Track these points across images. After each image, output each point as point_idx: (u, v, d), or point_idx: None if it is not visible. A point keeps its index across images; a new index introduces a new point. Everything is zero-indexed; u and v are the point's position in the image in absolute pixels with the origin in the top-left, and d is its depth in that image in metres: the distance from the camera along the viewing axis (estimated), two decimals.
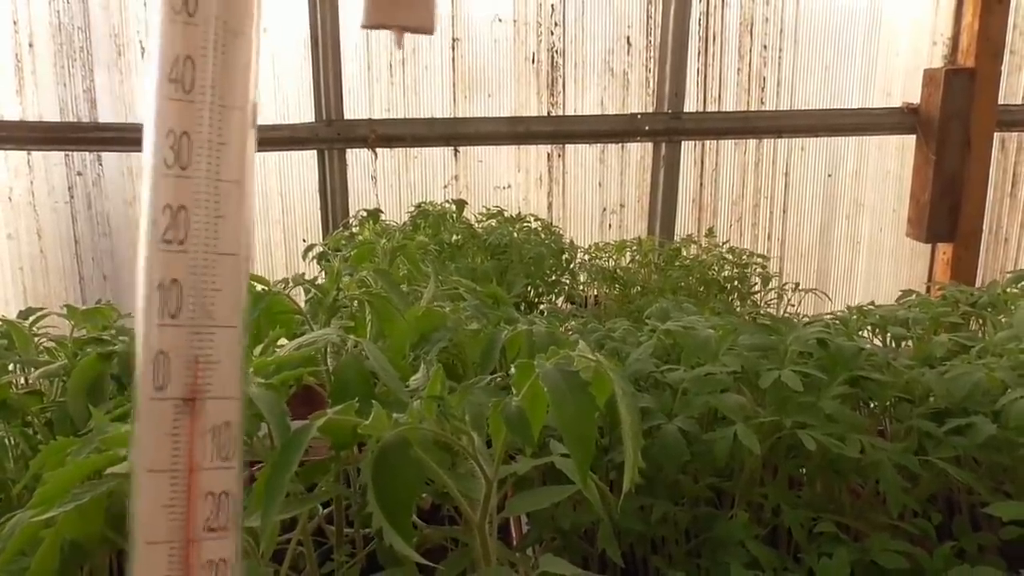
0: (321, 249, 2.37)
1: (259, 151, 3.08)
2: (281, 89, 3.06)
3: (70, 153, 3.03)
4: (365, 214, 2.40)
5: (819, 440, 1.00)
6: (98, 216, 3.10)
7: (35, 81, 2.97)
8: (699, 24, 3.11)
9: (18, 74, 2.96)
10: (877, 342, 1.59)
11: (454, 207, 2.48)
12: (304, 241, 3.21)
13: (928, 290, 3.33)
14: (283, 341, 1.03)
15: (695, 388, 1.08)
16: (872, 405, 1.21)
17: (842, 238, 3.39)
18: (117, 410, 0.92)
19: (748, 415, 1.04)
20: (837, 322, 1.50)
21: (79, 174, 3.06)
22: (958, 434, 1.08)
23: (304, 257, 2.39)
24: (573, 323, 1.60)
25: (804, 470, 1.16)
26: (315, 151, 3.10)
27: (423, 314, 1.03)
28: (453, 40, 3.10)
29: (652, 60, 3.14)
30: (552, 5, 3.11)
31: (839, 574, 0.94)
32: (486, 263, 2.17)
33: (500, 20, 3.11)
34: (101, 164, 3.07)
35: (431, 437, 0.65)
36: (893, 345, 1.50)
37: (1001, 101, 3.08)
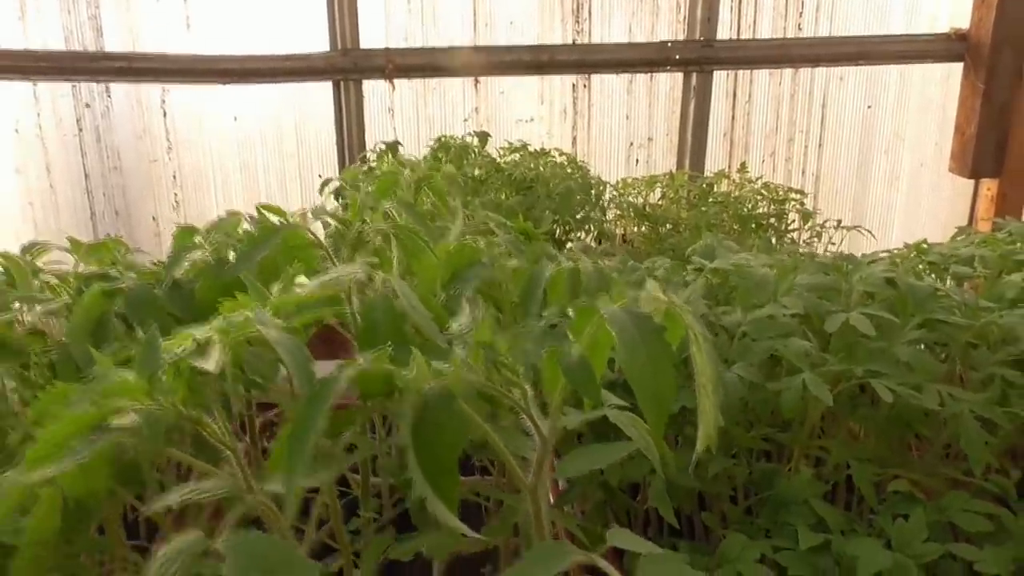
0: (338, 183, 2.27)
1: (272, 82, 2.96)
2: (294, 17, 2.91)
3: (77, 84, 2.91)
4: (383, 147, 2.28)
5: (894, 390, 0.90)
6: (108, 150, 3.00)
7: (37, 6, 2.84)
8: None
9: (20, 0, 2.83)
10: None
11: (476, 140, 2.36)
12: (320, 176, 3.10)
13: (972, 226, 3.19)
14: (302, 279, 0.94)
15: (755, 332, 0.98)
16: (944, 351, 1.11)
17: (880, 174, 3.23)
18: (123, 353, 0.84)
19: (815, 362, 0.95)
20: (896, 262, 1.39)
21: (87, 106, 2.95)
22: None
23: (320, 191, 2.28)
24: (608, 262, 1.50)
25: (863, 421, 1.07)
26: (330, 82, 2.96)
27: (455, 249, 0.93)
28: None
29: None
30: None
31: (916, 537, 0.85)
32: (511, 198, 2.06)
33: None
34: (110, 96, 2.95)
35: (478, 389, 0.56)
36: (955, 285, 1.39)
37: None
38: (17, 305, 1.06)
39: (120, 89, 2.96)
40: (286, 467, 0.52)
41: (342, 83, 2.97)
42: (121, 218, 3.09)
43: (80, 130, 2.96)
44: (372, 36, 2.93)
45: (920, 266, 1.47)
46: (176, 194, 3.07)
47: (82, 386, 0.73)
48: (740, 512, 0.99)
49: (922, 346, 1.07)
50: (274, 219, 0.92)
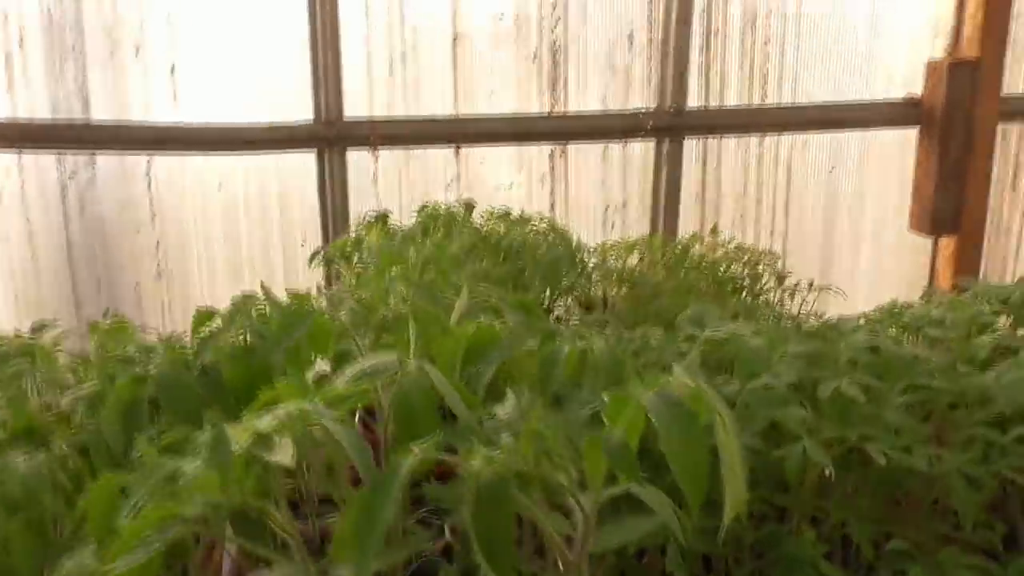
0: (324, 252, 2.32)
1: (257, 152, 3.02)
2: (280, 88, 2.99)
3: (63, 154, 2.94)
4: (373, 217, 2.35)
5: (887, 453, 0.97)
6: (92, 220, 3.02)
7: (26, 79, 2.88)
8: (702, 18, 3.08)
9: (8, 71, 2.87)
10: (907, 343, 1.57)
11: (462, 209, 2.44)
12: (303, 245, 3.15)
13: (933, 282, 3.34)
14: (323, 366, 0.99)
15: (754, 402, 1.04)
16: (925, 412, 1.18)
17: (845, 233, 3.38)
18: (163, 439, 0.87)
19: (811, 428, 1.01)
20: (871, 325, 1.48)
21: (72, 176, 2.97)
22: (1021, 442, 1.06)
23: (310, 263, 2.33)
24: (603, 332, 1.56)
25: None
26: (314, 151, 3.04)
27: (474, 330, 0.99)
28: (454, 37, 3.04)
29: (654, 56, 3.11)
30: (553, 3, 3.06)
31: None
32: (498, 266, 2.12)
33: (502, 17, 3.06)
34: (95, 166, 2.98)
35: (530, 474, 0.61)
36: (928, 347, 1.48)
37: (1003, 91, 3.08)
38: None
39: (105, 159, 2.99)
40: (358, 555, 0.56)
41: (326, 152, 3.05)
42: (103, 287, 3.09)
43: (64, 200, 2.99)
44: (356, 106, 3.02)
45: (893, 329, 1.56)
46: (159, 263, 3.08)
47: (138, 476, 0.77)
48: (746, 573, 1.04)
49: (906, 408, 1.14)
50: (280, 299, 0.97)
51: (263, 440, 0.64)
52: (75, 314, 3.01)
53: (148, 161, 2.99)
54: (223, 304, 3.27)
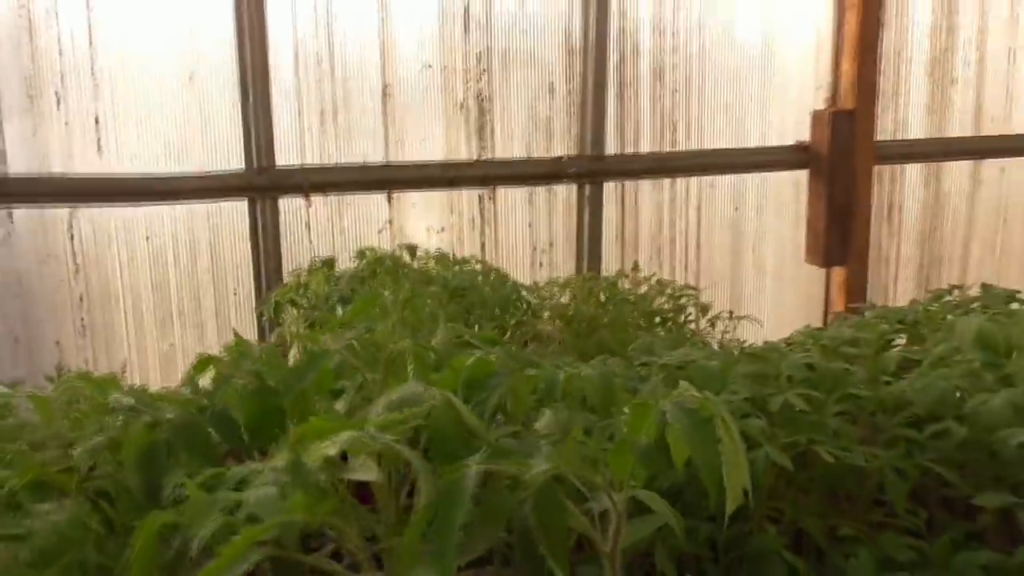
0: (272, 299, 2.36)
1: (188, 200, 3.01)
2: (210, 136, 3.00)
3: None
4: (319, 262, 2.41)
5: (833, 453, 1.13)
6: (9, 275, 2.92)
7: None
8: (615, 71, 3.32)
9: None
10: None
11: (405, 253, 2.53)
12: (235, 293, 3.15)
13: (825, 311, 3.67)
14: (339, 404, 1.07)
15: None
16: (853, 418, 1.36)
17: (750, 266, 3.67)
18: (199, 477, 0.92)
19: (768, 437, 1.17)
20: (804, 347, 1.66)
21: None
22: (935, 438, 1.25)
23: (263, 313, 2.36)
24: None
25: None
26: (246, 199, 3.06)
27: (473, 363, 1.09)
28: (384, 87, 3.16)
29: (574, 106, 3.32)
30: (478, 54, 3.23)
31: (867, 570, 1.07)
32: (448, 306, 2.22)
33: (430, 67, 3.20)
34: (12, 221, 2.90)
35: (573, 478, 0.72)
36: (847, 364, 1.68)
37: (875, 137, 3.46)
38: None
39: (24, 213, 2.91)
40: (439, 556, 0.65)
41: (258, 200, 3.07)
42: (21, 344, 2.98)
43: None
44: (288, 154, 3.07)
45: (813, 349, 1.76)
46: (83, 318, 3.01)
47: (189, 512, 0.83)
48: (721, 570, 1.17)
49: (839, 415, 1.32)
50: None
51: (332, 463, 0.72)
52: None
53: (70, 213, 2.93)
54: (150, 358, 3.19)
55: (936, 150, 3.59)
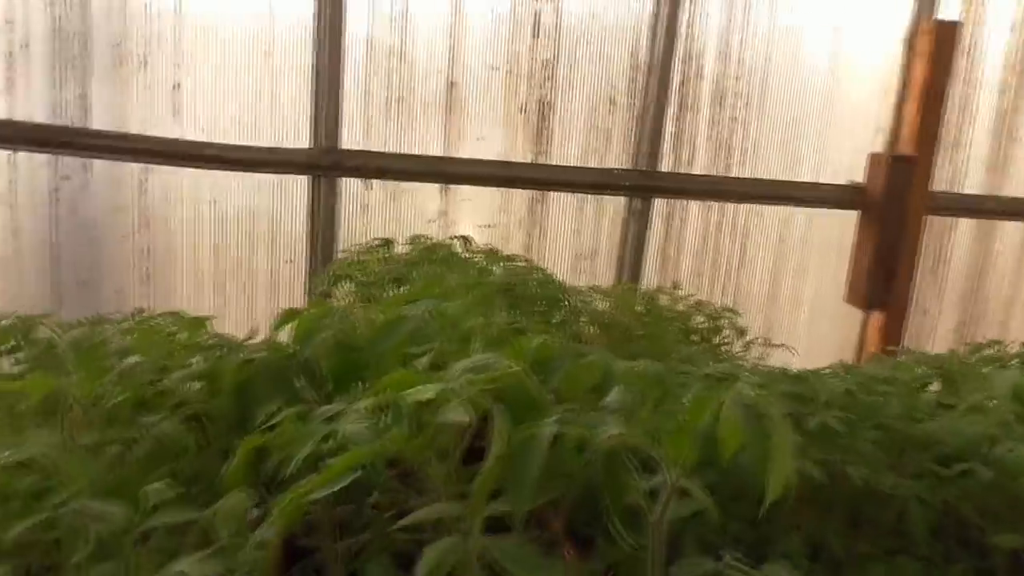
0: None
1: (255, 171, 3.14)
2: (280, 113, 3.13)
3: (58, 156, 3.00)
4: (378, 242, 2.52)
5: (864, 475, 1.20)
6: (81, 222, 3.07)
7: (27, 81, 2.95)
8: (677, 92, 3.40)
9: (9, 72, 2.93)
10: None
11: (459, 243, 2.63)
12: (289, 262, 3.27)
13: (859, 352, 3.70)
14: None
15: None
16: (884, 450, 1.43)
17: (787, 299, 3.72)
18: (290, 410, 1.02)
19: (804, 452, 1.24)
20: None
21: (66, 178, 3.03)
22: (962, 477, 1.31)
23: (320, 282, 2.47)
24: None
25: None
26: (308, 177, 3.18)
27: (537, 345, 1.18)
28: (450, 83, 3.27)
29: (632, 120, 3.40)
30: (544, 61, 3.33)
31: None
32: (497, 299, 2.31)
33: (496, 69, 3.31)
34: (90, 171, 3.05)
35: (634, 446, 0.81)
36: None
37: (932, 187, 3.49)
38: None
39: (101, 165, 3.06)
40: (519, 492, 0.74)
41: (320, 179, 3.20)
42: (86, 289, 3.13)
43: (56, 200, 3.03)
44: (352, 137, 3.20)
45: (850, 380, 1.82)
46: (146, 268, 3.15)
47: (285, 437, 0.92)
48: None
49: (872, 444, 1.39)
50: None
51: (427, 405, 0.81)
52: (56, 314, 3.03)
53: (143, 171, 3.08)
54: (205, 313, 3.33)
55: (993, 207, 3.61)
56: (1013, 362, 1.89)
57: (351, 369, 1.14)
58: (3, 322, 1.33)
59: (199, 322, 1.34)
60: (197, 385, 1.16)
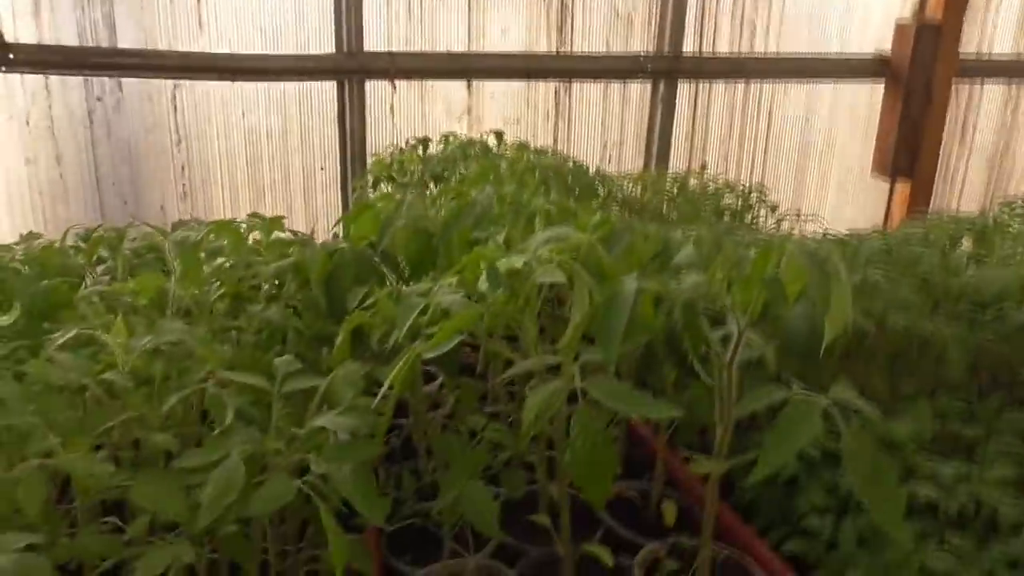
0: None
1: (282, 80, 3.17)
2: (303, 20, 3.13)
3: (89, 78, 3.03)
4: (415, 141, 2.58)
5: (905, 322, 1.30)
6: (118, 142, 3.13)
7: (52, 4, 2.95)
8: None
9: None
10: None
11: (493, 139, 2.68)
12: (322, 168, 3.34)
13: (886, 219, 3.75)
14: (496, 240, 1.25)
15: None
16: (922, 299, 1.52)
17: (815, 175, 3.74)
18: (381, 292, 1.13)
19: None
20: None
21: (99, 99, 3.07)
22: (996, 320, 1.41)
23: (358, 184, 2.56)
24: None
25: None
26: (335, 82, 3.20)
27: (599, 220, 1.27)
28: None
29: (654, 4, 3.35)
30: None
31: (923, 417, 1.25)
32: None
33: None
34: (121, 90, 3.09)
35: (708, 295, 0.90)
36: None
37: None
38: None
39: (132, 84, 3.10)
40: (607, 343, 0.85)
41: (346, 83, 3.22)
42: (129, 207, 3.22)
43: (91, 122, 3.09)
44: (375, 40, 3.19)
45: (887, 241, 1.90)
46: (184, 185, 3.23)
47: (384, 312, 1.03)
48: None
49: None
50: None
51: (518, 273, 0.91)
52: None
53: (174, 86, 3.11)
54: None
55: (1021, 68, 3.57)
56: None
57: (426, 254, 1.24)
58: (94, 233, 1.42)
59: (276, 222, 1.44)
60: (288, 278, 1.26)
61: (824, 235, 1.70)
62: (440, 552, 1.08)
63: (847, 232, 1.70)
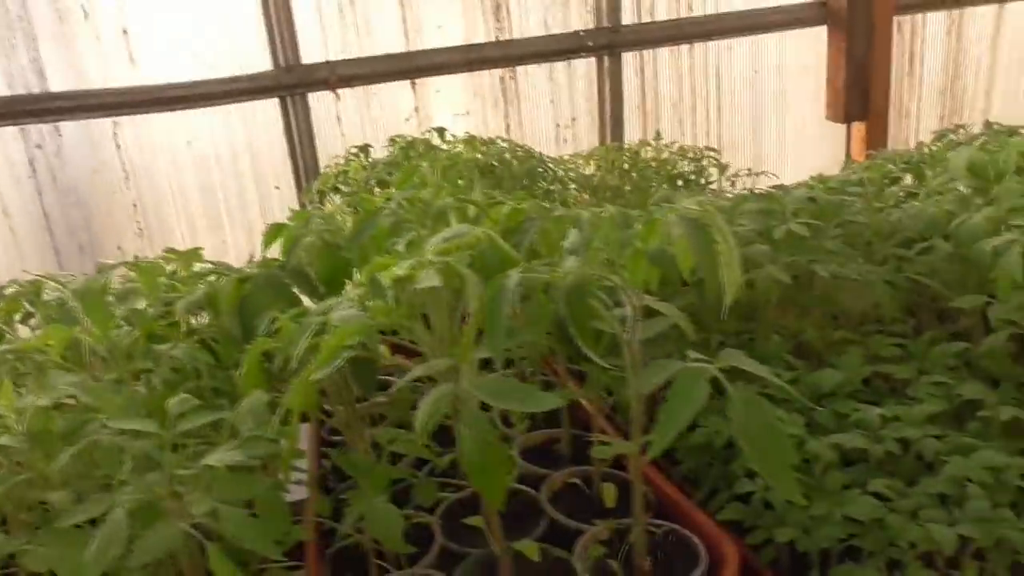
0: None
1: (221, 103, 3.14)
2: (234, 40, 3.10)
3: (25, 127, 3.00)
4: (356, 149, 2.56)
5: (830, 270, 1.29)
6: (65, 187, 3.11)
7: None
8: None
9: None
10: None
11: (436, 135, 2.66)
12: (277, 188, 3.32)
13: (847, 162, 3.73)
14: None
15: None
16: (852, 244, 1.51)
17: (771, 127, 3.72)
18: (290, 312, 1.11)
19: (772, 260, 1.32)
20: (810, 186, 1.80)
21: (38, 147, 3.04)
22: (923, 254, 1.40)
23: (306, 199, 2.54)
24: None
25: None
26: (277, 99, 3.18)
27: (509, 212, 1.25)
28: None
29: None
30: None
31: (854, 364, 1.25)
32: (481, 181, 2.37)
33: None
34: (60, 134, 3.06)
35: (598, 280, 0.89)
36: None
37: None
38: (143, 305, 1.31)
39: (70, 127, 3.07)
40: (490, 340, 0.84)
41: (288, 98, 3.19)
42: (86, 252, 3.20)
43: (34, 171, 3.06)
44: (311, 51, 3.16)
45: (819, 188, 1.89)
46: (139, 222, 3.21)
47: (287, 335, 1.02)
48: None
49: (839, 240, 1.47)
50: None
51: (403, 280, 0.90)
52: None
53: (114, 124, 3.08)
54: (208, 253, 3.39)
55: None
56: (979, 141, 1.94)
57: (339, 268, 1.23)
58: (7, 290, 1.41)
59: (192, 253, 1.42)
60: (203, 312, 1.25)
61: (751, 192, 1.68)
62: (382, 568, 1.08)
63: (773, 187, 1.69)
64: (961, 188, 1.53)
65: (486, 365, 0.96)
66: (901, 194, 1.71)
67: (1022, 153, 1.60)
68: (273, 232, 1.37)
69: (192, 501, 0.75)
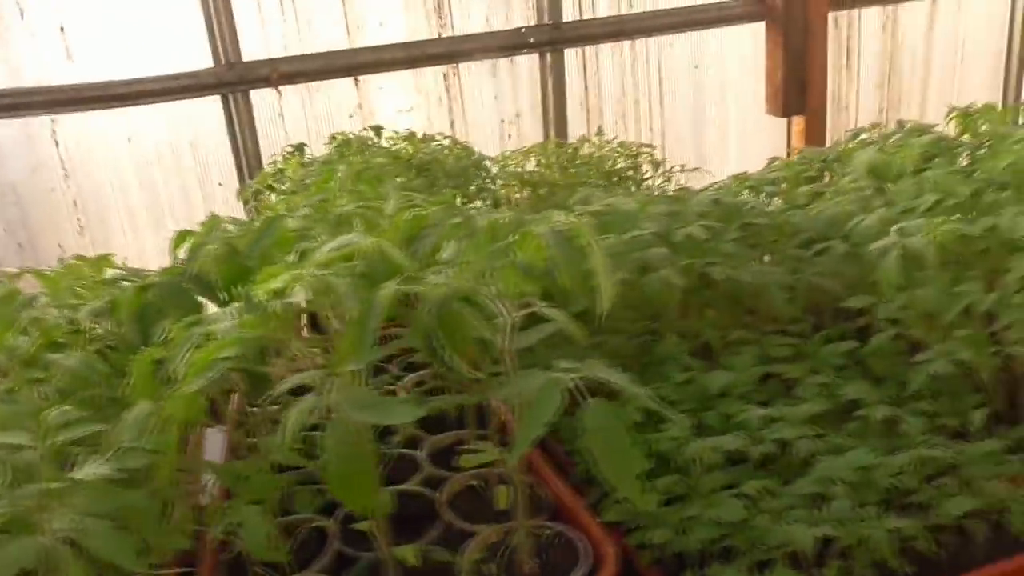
0: (254, 187, 2.54)
1: (163, 101, 3.11)
2: (175, 37, 3.06)
3: None
4: (291, 149, 2.56)
5: (725, 272, 1.33)
6: (2, 186, 3.06)
7: None
8: None
9: None
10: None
11: (372, 134, 2.67)
12: (220, 184, 3.30)
13: (788, 155, 3.80)
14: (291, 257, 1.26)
15: (626, 249, 1.38)
16: (757, 246, 1.56)
17: (713, 122, 3.78)
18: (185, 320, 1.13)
19: (670, 262, 1.36)
20: (722, 189, 1.84)
21: None
22: (820, 255, 1.45)
23: (243, 197, 2.53)
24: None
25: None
26: (218, 96, 3.16)
27: (410, 219, 1.27)
28: None
29: None
30: None
31: (746, 364, 1.29)
32: (414, 180, 2.38)
33: None
34: None
35: (469, 292, 0.92)
36: (767, 200, 1.86)
37: None
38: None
39: (5, 125, 3.02)
40: (358, 351, 0.86)
41: (230, 96, 3.17)
42: (26, 251, 3.16)
43: None
44: (253, 48, 3.14)
45: (742, 190, 1.93)
46: (79, 219, 3.18)
47: (174, 344, 1.03)
48: (634, 375, 1.39)
49: (743, 244, 1.51)
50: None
51: (279, 293, 0.92)
52: None
53: (53, 122, 3.04)
54: (148, 253, 3.36)
55: None
56: (891, 141, 2.00)
57: (240, 276, 1.24)
58: None
59: (104, 260, 1.43)
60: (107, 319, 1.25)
61: (662, 194, 1.72)
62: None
63: (681, 190, 1.73)
64: (865, 188, 1.58)
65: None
66: (812, 193, 1.76)
67: (922, 154, 1.66)
68: (179, 238, 1.38)
69: (56, 515, 0.76)
